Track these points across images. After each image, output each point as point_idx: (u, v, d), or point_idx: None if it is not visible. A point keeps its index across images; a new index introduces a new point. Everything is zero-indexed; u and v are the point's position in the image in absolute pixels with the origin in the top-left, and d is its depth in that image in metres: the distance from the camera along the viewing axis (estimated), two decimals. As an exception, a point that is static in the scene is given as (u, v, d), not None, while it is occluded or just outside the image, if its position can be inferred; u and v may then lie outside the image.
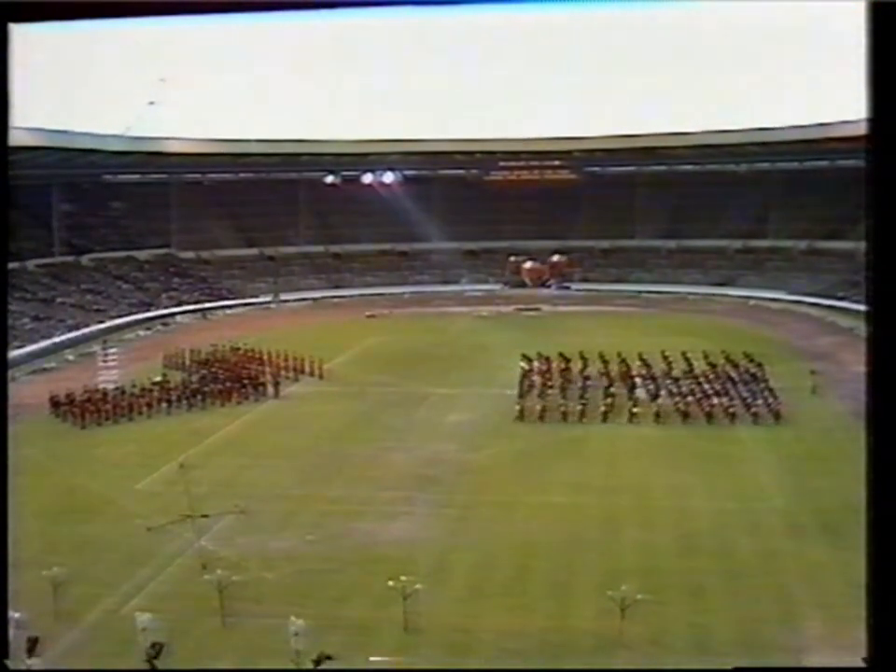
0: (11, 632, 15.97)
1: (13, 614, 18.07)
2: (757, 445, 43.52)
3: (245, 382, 56.39)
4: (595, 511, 34.75)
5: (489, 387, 56.37)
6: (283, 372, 59.96)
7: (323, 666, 21.29)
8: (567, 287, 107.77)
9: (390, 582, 25.79)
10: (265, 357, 63.08)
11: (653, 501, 35.83)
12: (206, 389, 54.82)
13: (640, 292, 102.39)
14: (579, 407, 49.01)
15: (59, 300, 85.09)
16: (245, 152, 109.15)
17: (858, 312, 77.11)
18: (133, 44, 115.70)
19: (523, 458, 42.09)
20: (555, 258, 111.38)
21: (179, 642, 23.70)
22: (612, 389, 52.00)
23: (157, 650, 22.53)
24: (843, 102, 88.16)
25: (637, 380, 54.30)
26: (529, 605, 26.81)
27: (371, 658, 23.62)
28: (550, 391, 52.33)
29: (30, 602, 22.08)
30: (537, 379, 55.14)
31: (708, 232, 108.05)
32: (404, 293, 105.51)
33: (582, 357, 58.86)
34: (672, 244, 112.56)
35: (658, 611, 25.48)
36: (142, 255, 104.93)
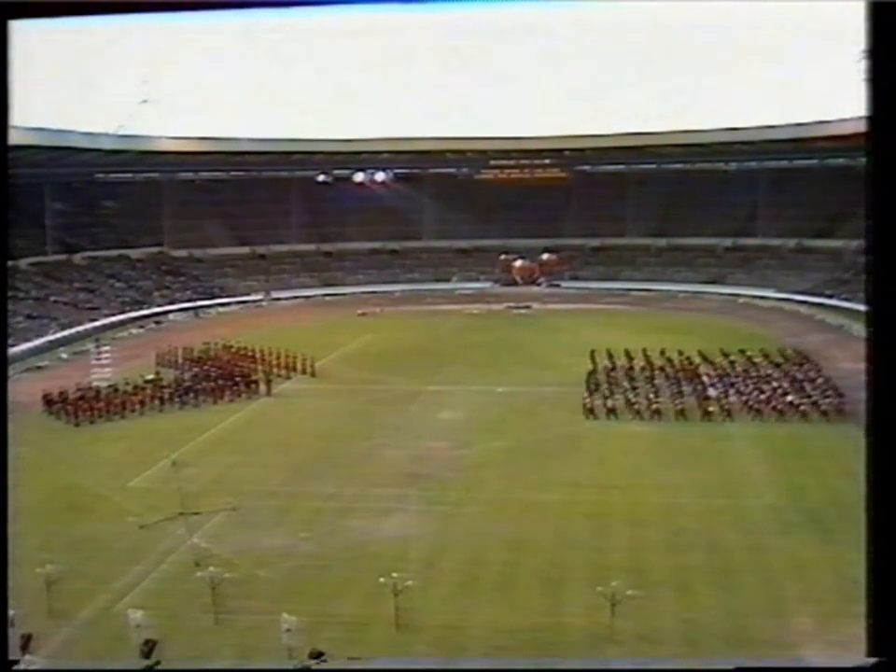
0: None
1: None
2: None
3: (238, 379, 56.52)
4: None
5: (480, 384, 56.54)
6: (275, 370, 60.12)
7: (315, 662, 21.39)
8: (558, 285, 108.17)
9: (382, 579, 25.94)
10: (257, 355, 63.22)
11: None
12: (199, 387, 54.92)
13: (630, 290, 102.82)
14: (654, 406, 48.80)
15: (52, 298, 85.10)
16: (237, 151, 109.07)
17: (846, 309, 77.72)
18: (125, 42, 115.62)
19: (514, 455, 42.14)
20: (546, 256, 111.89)
21: (172, 639, 23.86)
22: (683, 388, 51.96)
23: (150, 646, 22.67)
24: (832, 101, 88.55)
25: (705, 378, 54.08)
26: (520, 601, 26.91)
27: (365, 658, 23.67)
28: (616, 388, 52.32)
29: (23, 599, 22.19)
30: (602, 377, 55.09)
31: (698, 231, 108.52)
32: (396, 291, 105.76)
33: (645, 355, 59.54)
34: (662, 242, 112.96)
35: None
36: (134, 253, 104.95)
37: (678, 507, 34.69)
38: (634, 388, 51.87)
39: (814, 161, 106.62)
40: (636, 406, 49.05)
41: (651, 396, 50.12)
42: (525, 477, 38.78)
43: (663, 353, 60.17)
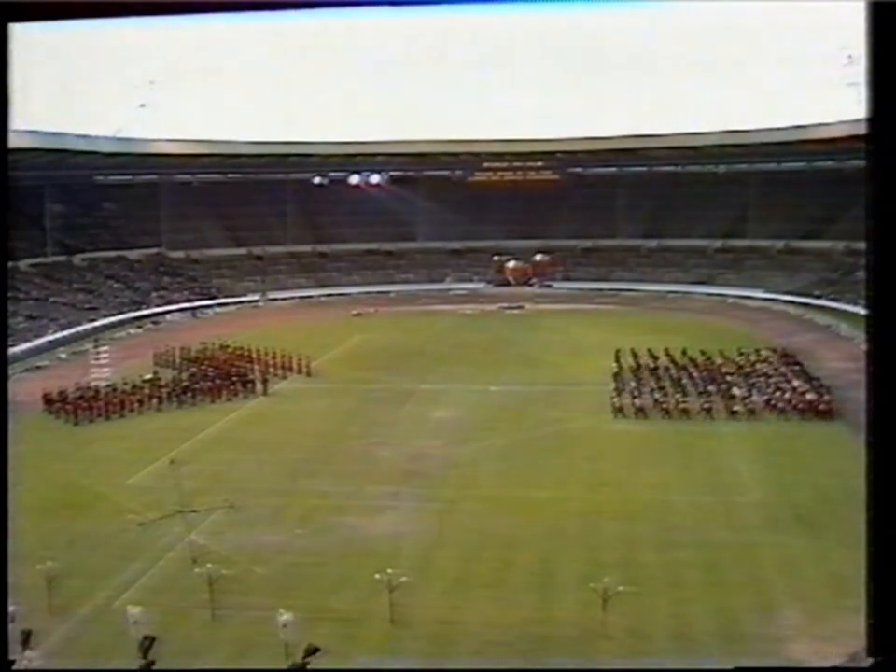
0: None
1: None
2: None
3: (235, 379, 56.94)
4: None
5: (474, 383, 56.94)
6: (271, 370, 60.52)
7: (311, 658, 21.70)
8: (550, 286, 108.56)
9: (377, 575, 26.24)
10: (254, 355, 63.58)
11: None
12: (196, 386, 55.30)
13: (621, 290, 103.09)
14: (681, 406, 49.07)
15: (51, 299, 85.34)
16: (234, 153, 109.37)
17: (834, 310, 78.44)
18: (123, 46, 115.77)
19: (508, 453, 42.50)
20: (538, 257, 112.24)
21: (170, 635, 23.96)
22: (710, 387, 52.16)
23: (148, 642, 22.97)
24: (823, 103, 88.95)
25: (728, 378, 54.21)
26: (513, 597, 27.21)
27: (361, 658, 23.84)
28: (643, 388, 52.58)
29: (23, 596, 22.58)
30: (628, 377, 55.39)
31: (688, 232, 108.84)
32: (390, 292, 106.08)
33: (668, 354, 60.16)
34: (652, 243, 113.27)
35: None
36: (133, 254, 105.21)
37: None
38: (661, 388, 52.16)
39: (802, 164, 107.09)
40: (663, 405, 49.31)
41: (679, 395, 50.45)
42: (519, 475, 39.18)
43: (685, 352, 60.48)
